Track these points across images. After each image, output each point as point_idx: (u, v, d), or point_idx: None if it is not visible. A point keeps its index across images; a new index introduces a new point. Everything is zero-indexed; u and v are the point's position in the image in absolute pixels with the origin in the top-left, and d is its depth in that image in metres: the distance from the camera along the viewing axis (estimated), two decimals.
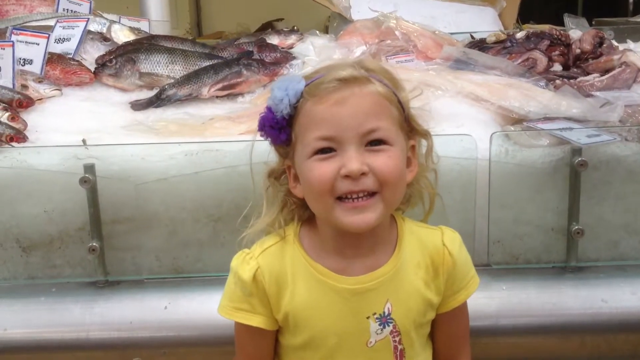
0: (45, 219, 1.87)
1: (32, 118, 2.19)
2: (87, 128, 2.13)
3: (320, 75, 1.26)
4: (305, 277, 1.32)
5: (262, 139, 1.34)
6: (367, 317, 1.32)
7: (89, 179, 1.81)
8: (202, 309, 1.82)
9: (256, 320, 1.36)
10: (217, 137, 2.01)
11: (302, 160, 1.26)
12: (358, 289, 1.31)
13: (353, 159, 1.20)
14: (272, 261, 1.34)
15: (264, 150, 1.40)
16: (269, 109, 1.28)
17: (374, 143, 1.22)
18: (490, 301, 1.82)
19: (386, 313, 1.33)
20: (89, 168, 1.82)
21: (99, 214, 1.85)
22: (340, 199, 1.22)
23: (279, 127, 1.28)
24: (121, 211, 1.88)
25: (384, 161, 1.22)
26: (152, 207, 1.87)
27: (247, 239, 1.40)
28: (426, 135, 1.36)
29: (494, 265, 1.91)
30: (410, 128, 1.32)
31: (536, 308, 1.84)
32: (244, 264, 1.35)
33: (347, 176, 1.20)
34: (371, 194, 1.22)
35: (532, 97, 2.15)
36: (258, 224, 1.38)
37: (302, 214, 1.38)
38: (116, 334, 1.81)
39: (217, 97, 2.40)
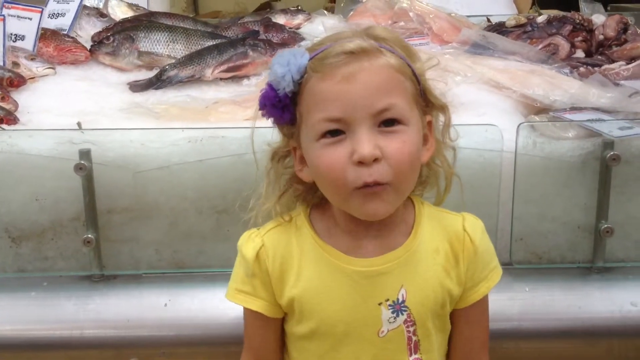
0: (37, 208, 1.76)
1: (24, 98, 2.09)
2: (82, 110, 2.03)
3: (325, 47, 1.14)
4: (313, 258, 1.23)
5: (265, 124, 1.24)
6: (379, 304, 1.22)
7: (85, 165, 1.70)
8: (204, 306, 1.72)
9: (257, 304, 1.27)
10: (222, 122, 1.90)
11: (309, 143, 1.16)
12: (370, 271, 1.21)
13: (364, 142, 1.09)
14: (278, 240, 1.26)
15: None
16: (270, 85, 1.17)
17: (387, 123, 1.11)
18: (513, 303, 1.73)
19: (400, 300, 1.22)
20: (85, 154, 1.71)
21: (94, 204, 1.74)
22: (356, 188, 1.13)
23: (281, 106, 1.17)
24: (119, 201, 1.76)
25: (398, 147, 1.11)
26: (151, 197, 1.76)
27: (252, 223, 1.31)
28: (444, 109, 1.24)
29: (516, 264, 1.80)
30: (427, 102, 1.21)
31: (561, 311, 1.74)
32: (249, 241, 1.28)
33: (359, 162, 1.09)
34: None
35: (556, 85, 2.04)
36: (257, 208, 1.30)
37: (310, 198, 1.28)
38: (112, 332, 1.71)
39: (221, 79, 2.29)
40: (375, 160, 1.09)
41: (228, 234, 1.78)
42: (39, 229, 1.78)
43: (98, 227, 1.75)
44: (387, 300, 1.22)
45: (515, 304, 1.73)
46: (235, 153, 1.74)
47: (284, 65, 1.13)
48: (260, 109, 1.19)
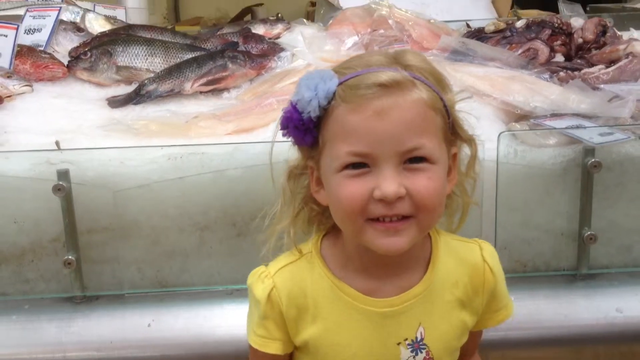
0: (16, 230, 1.74)
1: (0, 117, 2.05)
2: (60, 128, 2.01)
3: (355, 73, 1.09)
4: (330, 298, 1.19)
5: (282, 139, 1.18)
6: (398, 344, 1.19)
7: (63, 186, 1.68)
8: (188, 326, 1.70)
9: (273, 347, 1.22)
10: (202, 137, 1.88)
11: (330, 172, 1.11)
12: (389, 312, 1.18)
13: (389, 181, 1.05)
14: (290, 280, 1.20)
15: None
16: (294, 107, 1.12)
17: (414, 160, 1.07)
18: None
19: (419, 338, 1.19)
20: (63, 174, 1.69)
21: (74, 224, 1.72)
22: (371, 219, 1.09)
23: (304, 129, 1.12)
24: (99, 220, 1.74)
25: (424, 184, 1.07)
26: (132, 216, 1.74)
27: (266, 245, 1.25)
28: (470, 141, 1.21)
29: None
30: (454, 134, 1.17)
31: (546, 319, 1.74)
32: (259, 282, 1.21)
33: (381, 199, 1.06)
34: (405, 216, 1.08)
35: (537, 91, 2.04)
36: (273, 227, 1.23)
37: (325, 220, 1.23)
38: (95, 354, 1.69)
39: (200, 92, 2.26)
40: (399, 198, 1.06)
41: (211, 251, 1.77)
42: (18, 251, 1.75)
43: (79, 247, 1.73)
44: (406, 339, 1.19)
45: None
46: (216, 169, 1.73)
47: (311, 89, 1.09)
48: (281, 129, 1.15)
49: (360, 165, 1.08)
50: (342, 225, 1.15)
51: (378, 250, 1.10)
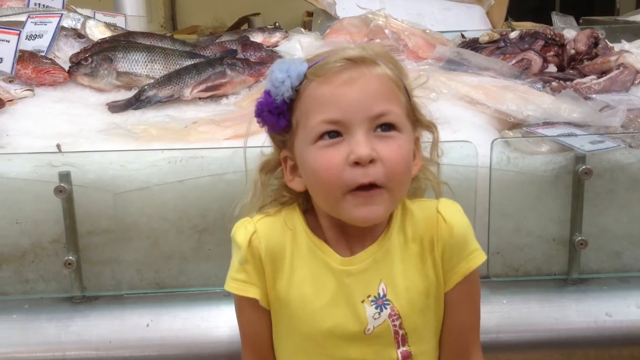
0: (17, 231, 1.76)
1: (2, 121, 2.07)
2: (61, 132, 2.03)
3: (323, 57, 1.18)
4: (305, 253, 1.24)
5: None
6: (362, 301, 1.23)
7: (65, 188, 1.70)
8: (186, 326, 1.72)
9: (251, 291, 1.26)
10: (201, 142, 1.91)
11: (305, 146, 1.17)
12: (351, 270, 1.23)
13: (362, 144, 1.12)
14: (272, 227, 1.26)
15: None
16: (267, 93, 1.19)
17: (384, 128, 1.15)
18: (490, 315, 1.73)
19: (381, 294, 1.23)
20: (65, 176, 1.71)
21: (75, 226, 1.74)
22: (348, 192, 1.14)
23: (278, 112, 1.19)
24: (99, 222, 1.76)
25: (395, 150, 1.14)
26: (132, 218, 1.77)
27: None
28: (431, 127, 1.28)
29: (494, 278, 1.83)
30: (415, 119, 1.24)
31: (538, 322, 1.76)
32: (241, 228, 1.27)
33: (356, 163, 1.12)
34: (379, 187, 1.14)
35: (529, 100, 2.08)
36: (244, 211, 1.30)
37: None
38: (94, 353, 1.70)
39: (199, 98, 2.29)
40: (371, 162, 1.12)
41: (209, 254, 1.79)
42: (19, 251, 1.77)
43: (79, 248, 1.75)
44: (369, 296, 1.23)
45: (493, 316, 1.74)
46: (215, 173, 1.76)
47: (283, 71, 1.16)
48: (256, 116, 1.21)
49: (334, 134, 1.14)
50: (320, 200, 1.20)
51: (356, 221, 1.16)
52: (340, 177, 1.13)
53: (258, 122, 1.22)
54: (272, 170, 1.29)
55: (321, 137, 1.15)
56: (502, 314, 1.76)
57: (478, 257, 1.28)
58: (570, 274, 1.83)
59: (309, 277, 1.24)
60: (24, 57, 2.38)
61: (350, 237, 1.24)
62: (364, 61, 1.16)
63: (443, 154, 1.34)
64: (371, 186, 1.13)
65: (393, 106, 1.15)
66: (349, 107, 1.13)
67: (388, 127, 1.15)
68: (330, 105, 1.14)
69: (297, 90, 1.17)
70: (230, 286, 1.28)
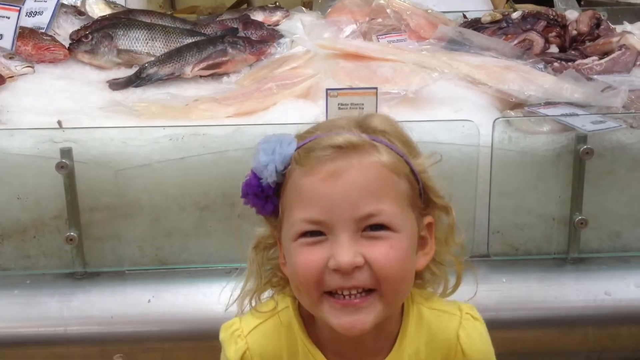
0: (19, 206, 1.76)
1: (3, 97, 2.07)
2: (62, 108, 2.02)
3: (314, 136, 1.03)
4: None
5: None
6: None
7: (66, 164, 1.70)
8: (187, 302, 1.74)
9: None
10: (203, 120, 1.91)
11: (287, 241, 1.03)
12: None
13: (344, 250, 0.96)
14: (265, 341, 1.13)
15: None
16: (253, 173, 1.04)
17: (373, 228, 0.99)
18: (490, 294, 1.74)
19: None
20: (66, 152, 1.71)
21: (76, 202, 1.75)
22: (329, 293, 1.00)
23: (264, 196, 1.04)
24: (101, 198, 1.77)
25: (384, 252, 0.98)
26: (133, 195, 1.77)
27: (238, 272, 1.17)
28: (447, 209, 1.10)
29: (494, 256, 1.84)
30: (427, 202, 1.07)
31: (537, 301, 1.78)
32: (232, 341, 1.14)
33: (336, 270, 0.97)
34: (367, 290, 0.99)
35: (531, 80, 2.07)
36: (242, 293, 1.16)
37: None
38: (96, 328, 1.72)
39: (200, 76, 2.28)
40: (356, 268, 0.97)
41: (210, 230, 1.80)
42: (21, 227, 1.78)
43: (80, 225, 1.76)
44: None
45: (493, 294, 1.75)
46: (216, 150, 1.76)
47: (268, 152, 1.02)
48: (242, 197, 1.07)
49: (316, 233, 0.99)
50: (299, 298, 1.07)
51: (337, 329, 1.01)
52: (319, 281, 0.99)
53: (244, 203, 1.07)
54: (267, 249, 1.14)
55: (302, 234, 1.00)
56: (501, 293, 1.78)
57: None
58: (570, 253, 1.84)
59: None
60: (24, 33, 2.37)
61: (342, 339, 1.06)
62: (355, 148, 0.99)
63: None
64: (357, 292, 0.99)
65: (385, 204, 0.99)
66: (332, 207, 0.98)
67: (378, 227, 0.99)
68: (311, 203, 0.99)
69: (284, 174, 1.03)
70: None
